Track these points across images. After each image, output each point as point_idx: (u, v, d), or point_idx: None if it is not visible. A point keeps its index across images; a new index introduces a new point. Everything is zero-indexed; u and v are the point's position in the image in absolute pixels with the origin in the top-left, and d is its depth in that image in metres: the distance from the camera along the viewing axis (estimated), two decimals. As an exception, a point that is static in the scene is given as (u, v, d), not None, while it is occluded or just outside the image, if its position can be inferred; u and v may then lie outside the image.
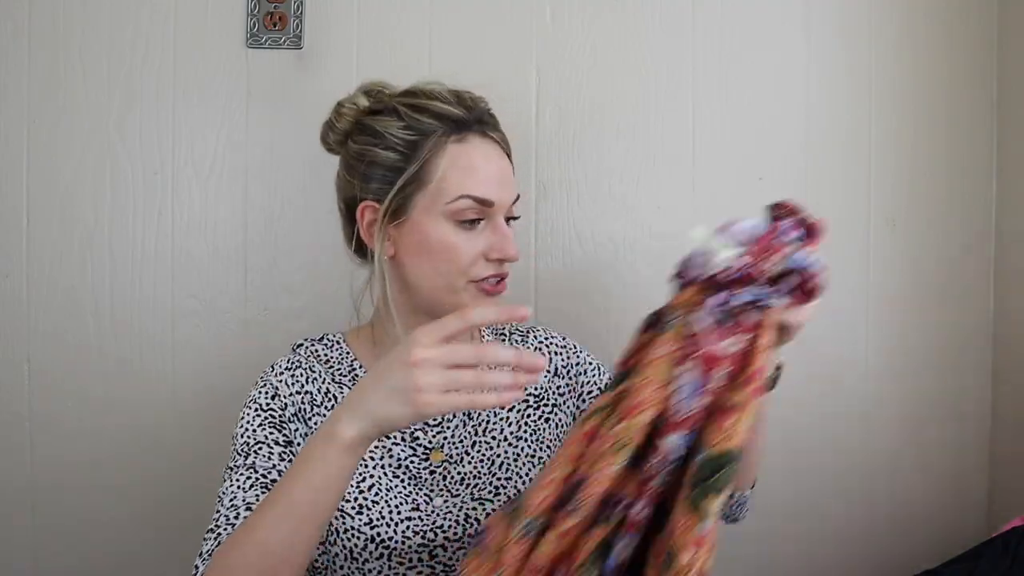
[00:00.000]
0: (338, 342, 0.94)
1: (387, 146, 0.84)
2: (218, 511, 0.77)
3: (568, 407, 0.97)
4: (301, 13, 1.17)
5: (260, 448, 0.81)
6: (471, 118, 0.85)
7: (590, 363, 0.99)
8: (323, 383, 0.89)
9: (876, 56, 1.21)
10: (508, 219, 0.87)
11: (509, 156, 0.89)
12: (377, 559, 0.82)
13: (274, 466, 0.80)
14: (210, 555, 0.72)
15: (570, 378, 0.98)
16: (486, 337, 0.99)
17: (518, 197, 0.88)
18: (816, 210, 1.20)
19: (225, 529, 0.74)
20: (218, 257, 1.20)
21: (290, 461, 0.81)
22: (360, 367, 0.91)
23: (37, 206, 1.18)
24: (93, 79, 1.18)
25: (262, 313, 1.20)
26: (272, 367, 0.89)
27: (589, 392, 0.98)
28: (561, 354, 0.99)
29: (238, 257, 1.20)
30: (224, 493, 0.78)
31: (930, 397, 1.24)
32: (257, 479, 0.78)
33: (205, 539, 0.75)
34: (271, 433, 0.83)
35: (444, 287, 0.84)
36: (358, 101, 0.89)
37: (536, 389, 0.95)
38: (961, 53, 1.22)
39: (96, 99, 1.18)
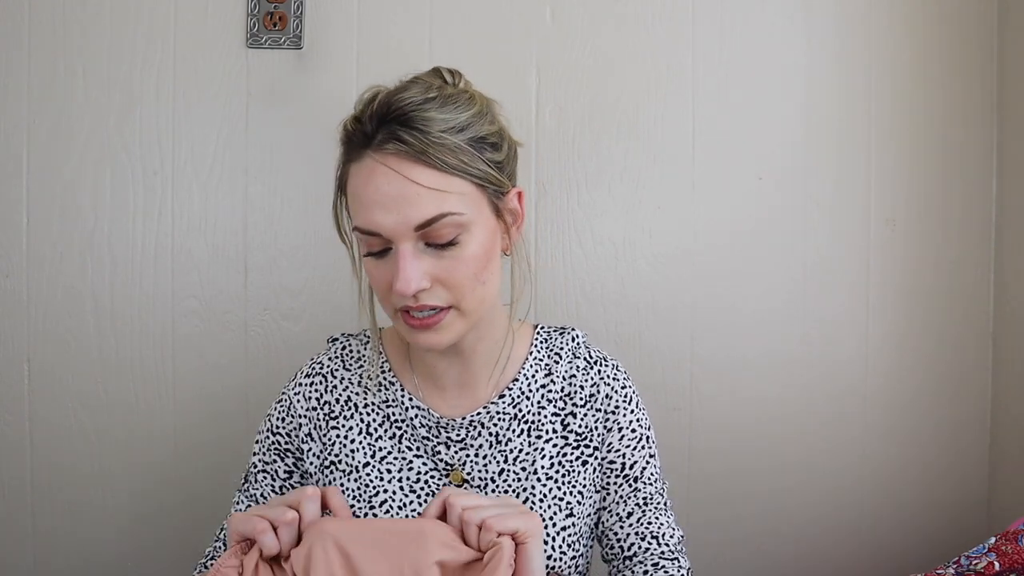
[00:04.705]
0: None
1: None
2: (221, 527, 0.87)
3: (598, 458, 0.86)
4: (301, 13, 1.17)
5: (263, 477, 0.87)
6: (367, 132, 0.73)
7: (632, 429, 0.86)
8: (344, 391, 0.86)
9: (876, 56, 1.21)
10: (436, 244, 0.72)
11: (436, 164, 0.71)
12: None
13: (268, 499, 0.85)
14: (201, 567, 0.84)
15: (604, 429, 0.86)
16: (543, 359, 0.87)
17: (442, 216, 0.71)
18: (816, 210, 1.21)
19: (216, 550, 0.84)
20: (218, 257, 1.20)
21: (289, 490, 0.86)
22: (389, 369, 0.85)
23: (37, 206, 1.18)
24: (93, 79, 1.18)
25: (262, 313, 1.20)
26: (297, 374, 0.88)
27: (608, 459, 0.85)
28: (613, 398, 0.86)
29: (238, 257, 1.20)
30: (231, 512, 0.86)
31: (930, 397, 1.24)
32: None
33: (207, 552, 0.85)
34: (274, 461, 0.87)
35: (387, 314, 0.79)
36: None
37: (580, 426, 0.85)
38: (961, 53, 1.22)
39: (96, 99, 1.18)
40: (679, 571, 0.82)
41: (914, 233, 1.22)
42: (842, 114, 1.21)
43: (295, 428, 0.85)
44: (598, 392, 0.86)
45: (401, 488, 0.82)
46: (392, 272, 0.72)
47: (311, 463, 0.85)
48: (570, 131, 1.20)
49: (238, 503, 0.87)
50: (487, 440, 0.83)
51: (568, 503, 0.82)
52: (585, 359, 0.88)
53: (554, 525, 0.81)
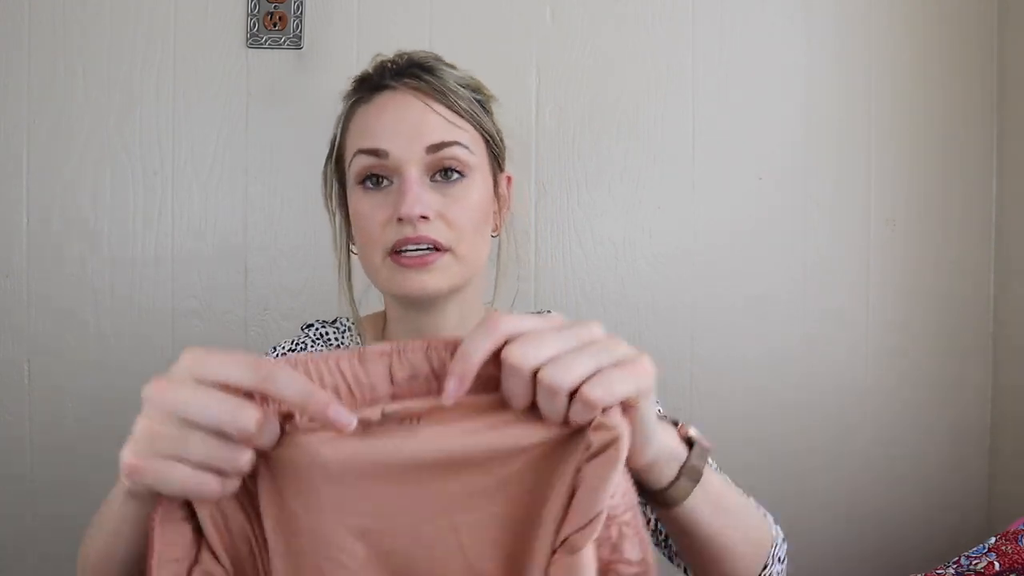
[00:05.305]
0: (350, 327, 0.85)
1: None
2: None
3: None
4: (301, 13, 1.17)
5: None
6: (385, 76, 0.74)
7: None
8: None
9: (876, 56, 1.21)
10: (442, 177, 0.71)
11: (451, 104, 0.72)
12: None
13: None
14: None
15: None
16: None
17: (448, 144, 0.71)
18: (816, 210, 1.21)
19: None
20: (218, 257, 1.20)
21: None
22: None
23: (37, 206, 1.18)
24: (93, 79, 1.18)
25: (262, 313, 1.20)
26: (276, 347, 0.85)
27: None
28: None
29: (238, 257, 1.20)
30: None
31: (930, 397, 1.24)
32: None
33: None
34: None
35: (370, 268, 0.74)
36: None
37: None
38: (961, 53, 1.22)
39: (96, 99, 1.18)
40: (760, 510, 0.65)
41: (914, 233, 1.22)
42: (842, 114, 1.21)
43: None
44: None
45: None
46: (392, 203, 0.70)
47: None
48: (570, 131, 1.20)
49: None
50: None
51: None
52: None
53: None
